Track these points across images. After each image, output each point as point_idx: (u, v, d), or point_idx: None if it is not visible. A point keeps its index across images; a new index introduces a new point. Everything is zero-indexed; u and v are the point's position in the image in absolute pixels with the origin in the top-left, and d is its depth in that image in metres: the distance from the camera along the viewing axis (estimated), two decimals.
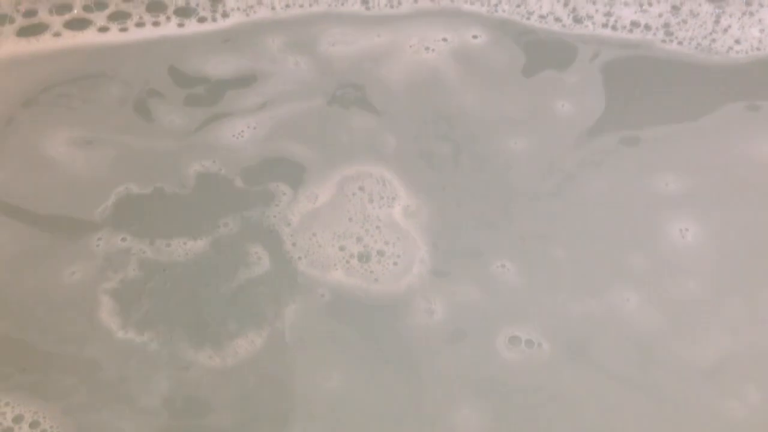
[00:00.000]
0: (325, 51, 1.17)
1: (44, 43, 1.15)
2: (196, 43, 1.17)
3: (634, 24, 1.20)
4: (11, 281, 0.94)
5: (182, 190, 1.02)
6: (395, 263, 0.96)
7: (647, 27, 1.20)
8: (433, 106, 1.12)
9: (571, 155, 1.06)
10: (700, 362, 0.90)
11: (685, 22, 1.20)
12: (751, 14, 1.21)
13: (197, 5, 1.20)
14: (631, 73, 1.16)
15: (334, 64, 1.16)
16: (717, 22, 1.20)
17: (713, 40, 1.18)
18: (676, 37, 1.19)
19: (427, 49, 1.18)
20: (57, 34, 1.16)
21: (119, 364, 0.88)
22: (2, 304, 0.92)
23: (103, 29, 1.17)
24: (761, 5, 1.21)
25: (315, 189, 1.02)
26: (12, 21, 1.16)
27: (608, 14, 1.21)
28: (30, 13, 1.17)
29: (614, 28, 1.20)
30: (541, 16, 1.21)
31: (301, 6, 1.22)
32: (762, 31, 1.19)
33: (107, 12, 1.19)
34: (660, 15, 1.21)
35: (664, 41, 1.19)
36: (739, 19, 1.20)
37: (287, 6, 1.22)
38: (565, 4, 1.22)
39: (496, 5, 1.22)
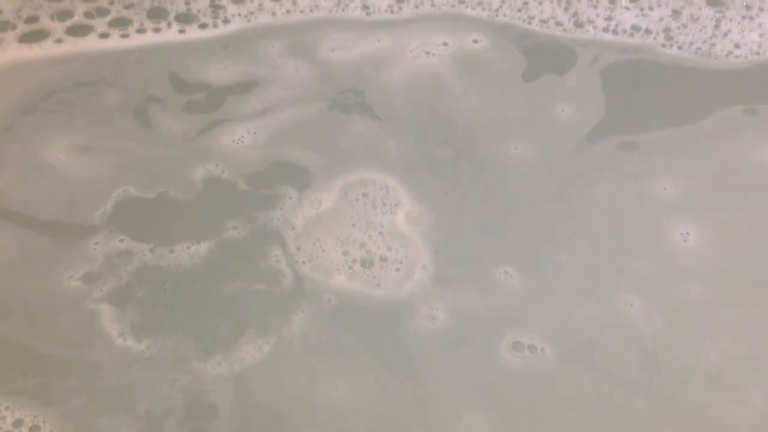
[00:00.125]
0: (325, 56, 1.17)
1: (45, 49, 1.15)
2: (196, 50, 1.17)
3: (635, 28, 1.20)
4: (12, 285, 0.94)
5: (183, 195, 1.02)
6: (398, 269, 0.96)
7: (648, 31, 1.20)
8: (433, 110, 1.12)
9: (571, 160, 1.06)
10: (704, 367, 0.90)
11: (685, 26, 1.21)
12: (751, 18, 1.21)
13: (198, 11, 1.21)
14: (631, 77, 1.16)
15: (335, 69, 1.16)
16: (717, 26, 1.20)
17: (713, 45, 1.19)
18: (677, 42, 1.19)
19: (427, 53, 1.18)
20: (58, 40, 1.16)
21: (121, 369, 0.88)
22: (3, 308, 0.92)
23: (104, 35, 1.17)
24: (761, 9, 1.22)
25: (318, 194, 1.01)
26: (14, 27, 1.16)
27: (609, 18, 1.21)
28: (31, 20, 1.17)
29: (615, 32, 1.20)
30: (542, 21, 1.21)
31: (302, 12, 1.22)
32: (762, 35, 1.19)
33: (108, 18, 1.19)
34: (660, 19, 1.21)
35: (664, 45, 1.19)
36: (739, 23, 1.20)
37: (288, 12, 1.22)
38: (566, 9, 1.22)
39: (497, 10, 1.22)
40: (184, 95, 1.12)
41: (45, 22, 1.18)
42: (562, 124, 1.10)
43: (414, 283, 0.95)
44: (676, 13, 1.22)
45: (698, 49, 1.19)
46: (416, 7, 1.23)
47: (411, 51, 1.18)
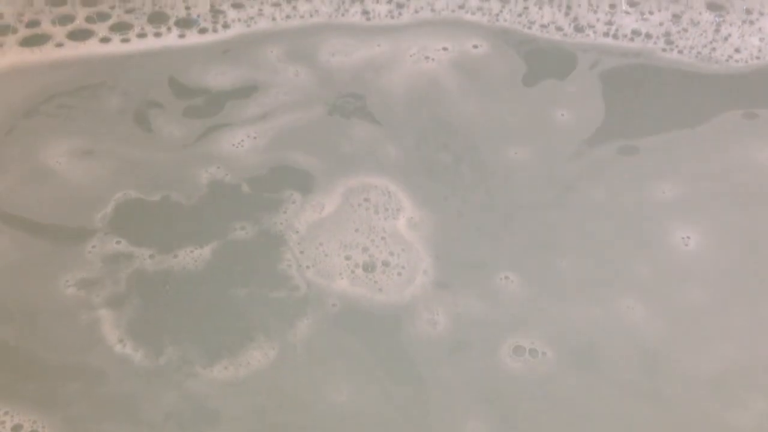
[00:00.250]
0: (325, 61, 1.18)
1: (47, 53, 1.15)
2: (196, 54, 1.17)
3: (635, 33, 1.21)
4: (12, 289, 0.94)
5: (185, 199, 1.02)
6: (399, 274, 0.96)
7: (648, 36, 1.20)
8: (433, 115, 1.12)
9: (571, 164, 1.06)
10: (706, 370, 0.89)
11: (685, 30, 1.21)
12: (752, 23, 1.21)
13: (198, 16, 1.21)
14: (631, 82, 1.16)
15: (335, 74, 1.16)
16: (717, 30, 1.21)
17: (713, 49, 1.19)
18: (677, 46, 1.19)
19: (427, 58, 1.18)
20: (59, 45, 1.16)
21: (122, 375, 0.88)
22: (2, 312, 0.92)
23: (105, 40, 1.18)
24: (761, 14, 1.22)
25: (321, 198, 1.01)
26: (15, 31, 1.17)
27: (609, 23, 1.22)
28: (33, 24, 1.18)
29: (615, 36, 1.20)
30: (543, 26, 1.22)
31: (302, 17, 1.22)
32: (762, 39, 1.20)
33: (109, 23, 1.19)
34: (661, 23, 1.22)
35: (664, 50, 1.19)
36: (739, 27, 1.21)
37: (288, 17, 1.22)
38: (567, 14, 1.23)
39: (497, 15, 1.23)
40: (184, 100, 1.12)
41: (46, 27, 1.18)
42: (562, 128, 1.11)
43: (415, 287, 0.94)
44: (676, 17, 1.22)
45: (698, 53, 1.19)
46: (416, 12, 1.23)
47: (411, 56, 1.18)
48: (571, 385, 0.88)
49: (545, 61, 1.18)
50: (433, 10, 1.23)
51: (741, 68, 1.17)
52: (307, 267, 0.96)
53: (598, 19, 1.22)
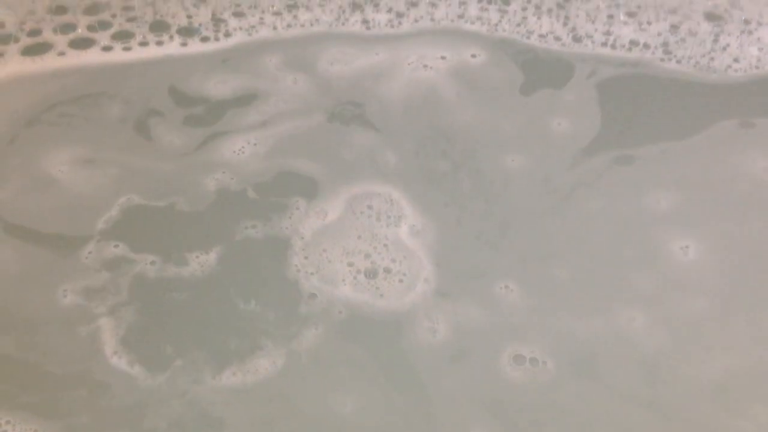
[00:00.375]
0: (324, 70, 1.18)
1: (48, 62, 1.16)
2: (197, 63, 1.18)
3: (633, 43, 1.21)
4: (13, 299, 0.94)
5: (187, 206, 1.02)
6: (401, 281, 0.96)
7: (646, 46, 1.21)
8: (431, 122, 1.12)
9: (568, 173, 1.07)
10: (708, 380, 0.89)
11: (683, 40, 1.21)
12: (750, 33, 1.22)
13: (200, 25, 1.21)
14: (629, 91, 1.17)
15: (334, 82, 1.17)
16: (716, 40, 1.21)
17: (712, 59, 1.19)
18: (675, 56, 1.20)
19: (425, 66, 1.18)
20: (61, 53, 1.17)
21: (124, 384, 0.88)
22: (4, 322, 0.92)
23: (107, 48, 1.18)
24: (760, 24, 1.22)
25: (323, 205, 1.02)
26: (17, 40, 1.17)
27: (607, 33, 1.22)
28: (34, 33, 1.18)
29: (613, 46, 1.21)
30: (541, 36, 1.22)
31: (303, 26, 1.23)
32: (761, 49, 1.20)
33: (111, 31, 1.19)
34: (659, 34, 1.22)
35: (662, 60, 1.20)
36: (737, 37, 1.21)
37: (289, 26, 1.23)
38: (565, 24, 1.23)
39: (496, 25, 1.23)
40: (185, 108, 1.13)
41: (48, 35, 1.18)
42: (559, 137, 1.11)
43: (416, 295, 0.95)
44: (674, 27, 1.23)
45: (697, 63, 1.19)
46: (416, 21, 1.24)
47: (409, 64, 1.19)
48: (572, 393, 0.88)
49: (543, 71, 1.19)
50: (432, 19, 1.24)
51: (739, 78, 1.18)
52: (312, 273, 0.96)
53: (596, 29, 1.22)
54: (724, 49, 1.20)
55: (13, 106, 1.11)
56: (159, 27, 1.20)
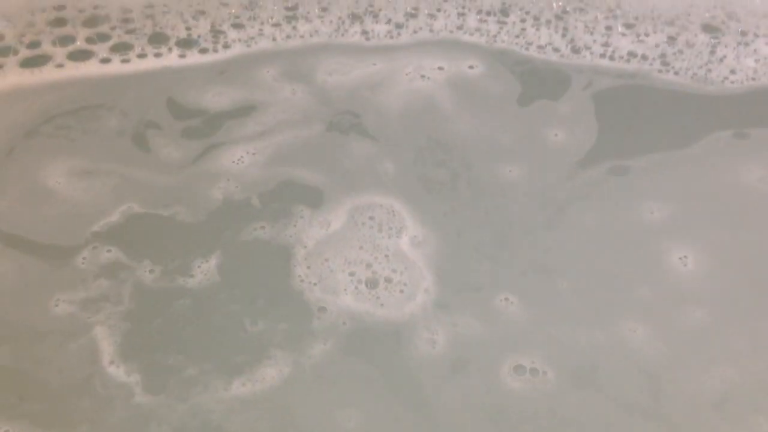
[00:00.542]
0: (323, 80, 1.18)
1: (47, 73, 1.16)
2: (196, 75, 1.18)
3: (631, 54, 1.22)
4: (11, 310, 0.93)
5: (186, 217, 1.02)
6: (401, 291, 0.96)
7: (644, 57, 1.21)
8: (428, 132, 1.13)
9: (565, 185, 1.07)
10: (709, 391, 0.89)
11: (681, 52, 1.22)
12: (746, 44, 1.22)
13: (199, 37, 1.21)
14: (626, 103, 1.17)
15: (332, 92, 1.17)
16: (713, 52, 1.22)
17: (709, 70, 1.20)
18: (673, 67, 1.20)
19: (422, 77, 1.19)
20: (60, 65, 1.17)
21: (124, 394, 0.87)
22: (2, 332, 0.91)
23: (106, 60, 1.18)
24: (756, 35, 1.23)
25: (327, 215, 1.02)
26: (16, 52, 1.17)
27: (606, 44, 1.23)
28: (34, 45, 1.18)
29: (612, 58, 1.22)
30: (540, 47, 1.23)
31: (302, 37, 1.23)
32: (757, 61, 1.21)
33: (110, 43, 1.19)
34: (657, 45, 1.23)
35: (660, 71, 1.20)
36: (734, 49, 1.22)
37: (288, 37, 1.23)
38: (564, 35, 1.24)
39: (495, 36, 1.24)
40: (183, 120, 1.13)
41: (47, 47, 1.18)
42: (556, 148, 1.11)
43: (416, 305, 0.95)
44: (671, 39, 1.23)
45: (694, 74, 1.20)
46: (415, 32, 1.24)
47: (407, 75, 1.19)
48: (572, 404, 0.88)
49: (540, 82, 1.19)
50: (431, 30, 1.24)
51: (736, 89, 1.18)
52: (314, 284, 0.96)
53: (594, 41, 1.23)
54: (721, 60, 1.21)
55: (12, 118, 1.11)
56: (158, 39, 1.20)
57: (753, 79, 1.19)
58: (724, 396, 0.89)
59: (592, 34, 1.23)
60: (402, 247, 0.99)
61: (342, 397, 0.88)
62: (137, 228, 1.01)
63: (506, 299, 0.96)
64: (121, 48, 1.19)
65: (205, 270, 0.97)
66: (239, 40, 1.22)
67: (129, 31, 1.20)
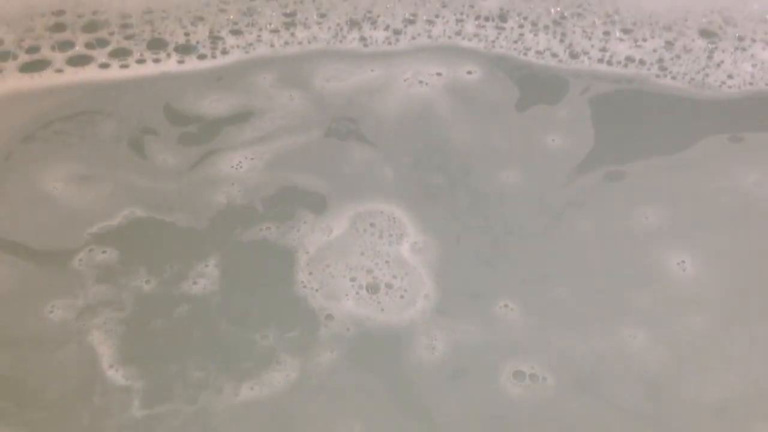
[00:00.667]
0: (320, 86, 1.18)
1: (46, 79, 1.16)
2: (194, 81, 1.18)
3: (629, 59, 1.22)
4: (9, 316, 0.93)
5: (185, 222, 1.02)
6: (402, 296, 0.96)
7: (642, 62, 1.22)
8: (426, 138, 1.13)
9: (562, 190, 1.07)
10: (710, 397, 0.89)
11: (678, 57, 1.22)
12: (744, 49, 1.23)
13: (197, 43, 1.22)
14: (623, 107, 1.18)
15: (330, 98, 1.17)
16: (710, 57, 1.22)
17: (706, 75, 1.20)
18: (670, 72, 1.21)
19: (420, 82, 1.19)
20: (59, 71, 1.17)
21: (124, 399, 0.87)
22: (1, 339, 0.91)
23: (105, 66, 1.18)
24: (753, 40, 1.24)
25: (329, 221, 1.02)
26: (15, 57, 1.17)
27: (603, 50, 1.23)
28: (33, 50, 1.18)
29: (609, 63, 1.22)
30: (538, 52, 1.23)
31: (300, 43, 1.23)
32: (755, 66, 1.21)
33: (109, 49, 1.20)
34: (654, 50, 1.23)
35: (658, 76, 1.21)
36: (731, 54, 1.22)
37: (286, 43, 1.23)
38: (562, 40, 1.24)
39: (493, 42, 1.24)
40: (182, 126, 1.13)
41: (46, 52, 1.18)
42: (553, 153, 1.11)
43: (416, 311, 0.95)
44: (669, 44, 1.24)
45: (692, 79, 1.20)
46: (413, 38, 1.24)
47: (405, 80, 1.19)
48: (572, 409, 0.88)
49: (538, 87, 1.19)
50: (430, 36, 1.25)
51: (733, 94, 1.19)
52: (316, 290, 0.96)
53: (592, 46, 1.23)
54: (719, 65, 1.21)
55: (10, 123, 1.11)
56: (156, 45, 1.21)
57: (750, 83, 1.20)
58: (724, 402, 0.89)
59: (589, 39, 1.24)
60: (403, 254, 0.99)
61: (343, 401, 0.88)
62: (136, 233, 1.01)
63: (506, 306, 0.96)
64: (120, 53, 1.19)
65: (206, 275, 0.97)
66: (237, 46, 1.22)
67: (128, 37, 1.20)
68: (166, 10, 1.23)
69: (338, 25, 1.25)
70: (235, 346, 0.91)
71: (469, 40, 1.24)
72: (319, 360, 0.91)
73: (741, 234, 1.03)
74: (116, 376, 0.88)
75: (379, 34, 1.24)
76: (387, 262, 0.98)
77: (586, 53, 1.23)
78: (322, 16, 1.25)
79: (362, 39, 1.24)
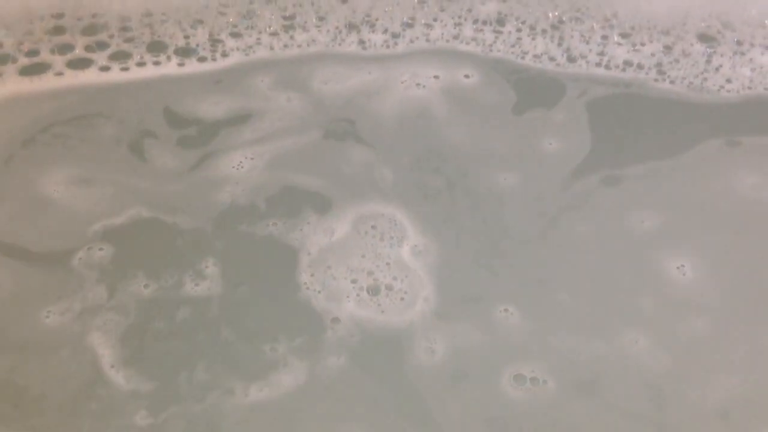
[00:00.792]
0: (319, 89, 1.18)
1: (46, 82, 1.16)
2: (194, 83, 1.18)
3: (627, 63, 1.22)
4: (9, 319, 0.93)
5: (185, 221, 1.02)
6: (402, 298, 0.96)
7: (640, 66, 1.22)
8: (424, 140, 1.13)
9: (559, 194, 1.07)
10: (712, 401, 0.89)
11: (677, 61, 1.23)
12: (742, 54, 1.23)
13: (197, 45, 1.22)
14: (620, 111, 1.18)
15: (328, 100, 1.17)
16: (709, 61, 1.23)
17: (705, 79, 1.21)
18: (669, 77, 1.21)
19: (418, 85, 1.19)
20: (59, 74, 1.17)
21: (125, 403, 0.87)
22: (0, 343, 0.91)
23: (105, 69, 1.18)
24: (752, 45, 1.24)
25: (331, 223, 1.02)
26: (14, 60, 1.17)
27: (601, 54, 1.23)
28: (32, 53, 1.18)
29: (607, 67, 1.22)
30: (536, 56, 1.23)
31: (299, 46, 1.23)
32: (753, 70, 1.22)
33: (109, 52, 1.20)
34: (652, 54, 1.24)
35: (656, 80, 1.21)
36: (730, 58, 1.23)
37: (285, 46, 1.23)
38: (559, 44, 1.24)
39: (491, 45, 1.24)
40: (182, 128, 1.13)
41: (46, 56, 1.18)
42: (550, 156, 1.12)
43: (415, 313, 0.95)
44: (667, 48, 1.24)
45: (690, 83, 1.21)
46: (411, 42, 1.25)
47: (402, 83, 1.19)
48: (573, 412, 0.88)
49: (535, 91, 1.20)
50: (428, 40, 1.25)
51: (732, 98, 1.19)
52: (319, 292, 0.96)
53: (590, 50, 1.24)
54: (717, 69, 1.22)
55: (10, 126, 1.10)
56: (156, 47, 1.21)
57: (749, 88, 1.20)
58: (727, 405, 0.89)
59: (587, 43, 1.24)
60: (403, 256, 0.99)
61: (343, 403, 0.88)
62: (137, 235, 1.01)
63: (506, 310, 0.96)
64: (120, 56, 1.19)
65: (207, 276, 0.97)
66: (237, 48, 1.22)
67: (128, 40, 1.20)
68: (166, 12, 1.23)
69: (337, 28, 1.25)
70: (237, 347, 0.91)
71: (467, 43, 1.24)
72: (322, 362, 0.91)
73: (740, 237, 1.04)
74: (117, 377, 0.88)
75: (378, 38, 1.24)
76: (388, 264, 0.98)
77: (583, 57, 1.23)
78: (321, 19, 1.26)
79: (361, 42, 1.24)
